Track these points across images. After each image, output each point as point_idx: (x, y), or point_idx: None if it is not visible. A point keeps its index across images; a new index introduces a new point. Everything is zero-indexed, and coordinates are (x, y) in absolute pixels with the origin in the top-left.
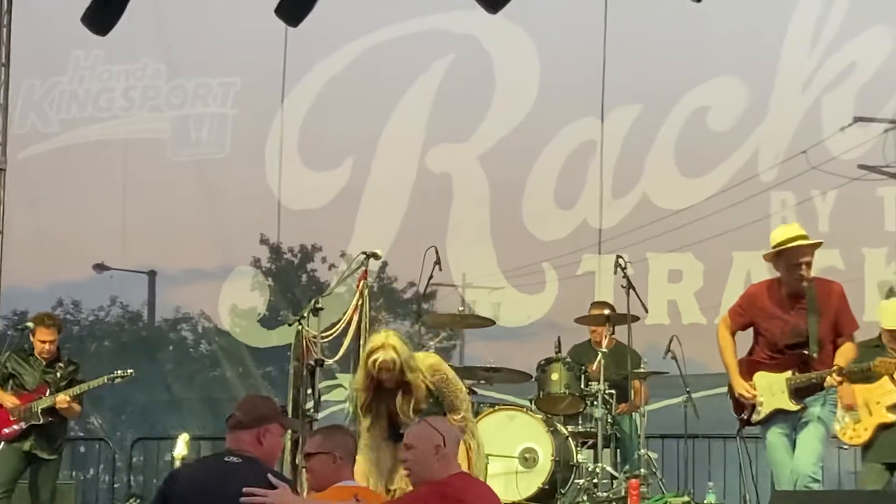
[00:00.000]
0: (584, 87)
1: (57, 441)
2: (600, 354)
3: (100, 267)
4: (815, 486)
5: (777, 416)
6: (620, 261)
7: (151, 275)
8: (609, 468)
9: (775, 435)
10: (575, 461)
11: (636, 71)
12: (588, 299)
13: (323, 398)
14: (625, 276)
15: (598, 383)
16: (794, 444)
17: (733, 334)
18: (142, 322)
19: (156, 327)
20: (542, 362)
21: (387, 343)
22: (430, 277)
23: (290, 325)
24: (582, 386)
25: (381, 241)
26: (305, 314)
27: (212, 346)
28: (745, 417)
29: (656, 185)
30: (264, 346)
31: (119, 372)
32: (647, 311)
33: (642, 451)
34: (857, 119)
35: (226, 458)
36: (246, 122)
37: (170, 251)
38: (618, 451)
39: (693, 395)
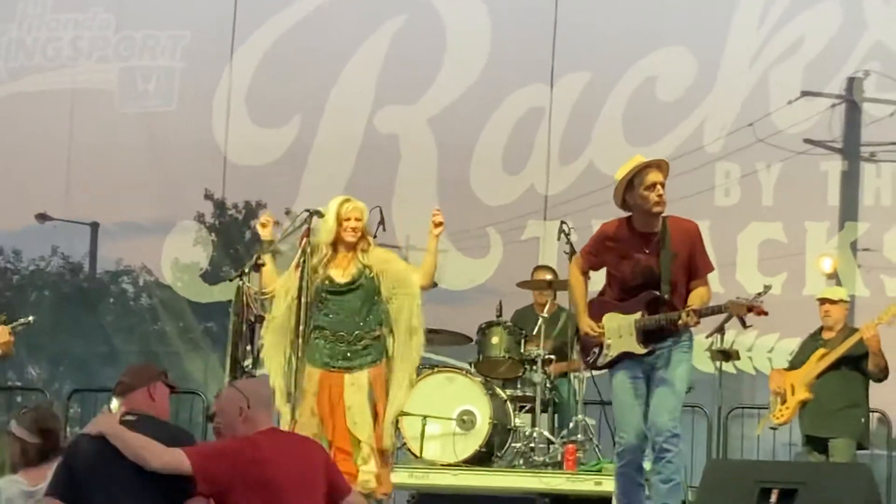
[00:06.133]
0: (534, 54)
1: None
2: (540, 319)
3: (42, 217)
4: (676, 442)
5: (624, 359)
6: (564, 227)
7: (94, 226)
8: (546, 433)
9: (622, 378)
10: (512, 425)
11: (586, 39)
12: (532, 265)
13: (262, 355)
14: (568, 241)
15: (538, 348)
16: (641, 391)
17: (585, 274)
18: (83, 273)
19: (97, 279)
20: (483, 325)
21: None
22: (374, 237)
23: (230, 280)
24: (522, 350)
25: (326, 200)
26: (247, 270)
27: (153, 299)
28: (592, 360)
29: (603, 152)
30: (205, 301)
31: (21, 319)
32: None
33: (580, 416)
34: (805, 93)
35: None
36: (194, 76)
37: (113, 203)
38: (555, 416)
39: None
